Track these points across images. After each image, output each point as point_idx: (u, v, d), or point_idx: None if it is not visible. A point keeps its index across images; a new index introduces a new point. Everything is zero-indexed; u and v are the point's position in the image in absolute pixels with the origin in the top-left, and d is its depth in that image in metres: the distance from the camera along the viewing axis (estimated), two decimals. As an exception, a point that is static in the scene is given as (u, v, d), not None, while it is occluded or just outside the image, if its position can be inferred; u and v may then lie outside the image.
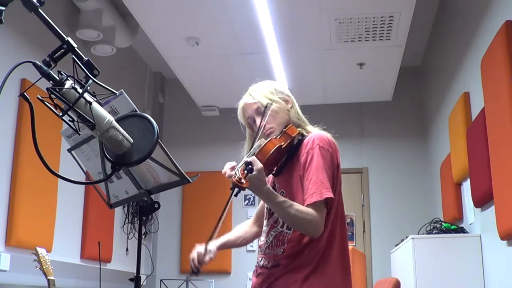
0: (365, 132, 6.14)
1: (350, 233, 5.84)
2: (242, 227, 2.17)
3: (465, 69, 3.98)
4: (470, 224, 3.91)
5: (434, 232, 3.93)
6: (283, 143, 1.82)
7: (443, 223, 4.00)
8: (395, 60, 4.88)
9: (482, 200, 3.47)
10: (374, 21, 4.16)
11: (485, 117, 3.26)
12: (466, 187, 3.96)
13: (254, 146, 1.83)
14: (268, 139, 1.84)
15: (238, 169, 1.65)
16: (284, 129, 1.88)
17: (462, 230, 3.88)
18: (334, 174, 1.83)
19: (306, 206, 1.75)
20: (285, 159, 1.89)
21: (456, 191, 4.27)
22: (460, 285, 3.63)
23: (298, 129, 1.89)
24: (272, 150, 1.79)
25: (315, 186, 1.74)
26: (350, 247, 4.06)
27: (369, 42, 4.51)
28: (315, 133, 1.89)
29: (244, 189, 1.61)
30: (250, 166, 1.64)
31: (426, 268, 3.72)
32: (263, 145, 1.82)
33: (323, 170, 1.77)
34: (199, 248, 1.93)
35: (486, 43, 3.26)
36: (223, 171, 1.78)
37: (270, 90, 1.94)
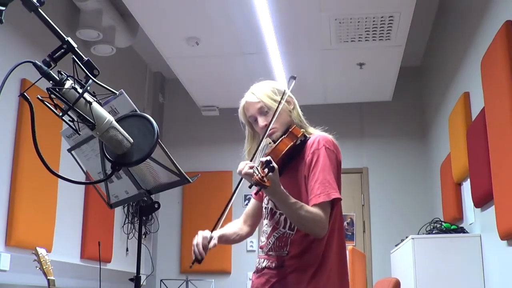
0: (365, 132, 6.14)
1: (350, 233, 5.84)
2: (235, 224, 2.13)
3: (465, 69, 3.98)
4: (470, 224, 3.91)
5: (434, 232, 3.93)
6: (291, 144, 1.83)
7: (443, 223, 4.00)
8: (395, 60, 4.88)
9: (482, 200, 3.47)
10: (374, 21, 4.16)
11: (485, 117, 3.26)
12: (466, 187, 3.96)
13: (262, 145, 1.83)
14: (280, 139, 1.84)
15: (257, 168, 1.62)
16: (289, 129, 1.87)
17: (462, 230, 3.88)
18: (338, 175, 1.85)
19: (312, 205, 1.75)
20: (287, 160, 1.88)
21: (456, 191, 4.27)
22: (460, 285, 3.63)
23: (302, 130, 1.89)
24: (285, 150, 1.80)
25: (322, 187, 1.76)
26: (350, 247, 4.09)
27: (369, 42, 4.50)
28: (319, 134, 1.90)
29: (266, 188, 1.60)
30: (271, 165, 1.60)
31: (426, 268, 3.72)
32: (275, 145, 1.82)
33: (329, 171, 1.78)
34: (204, 233, 1.83)
35: (486, 43, 3.26)
36: (239, 169, 1.73)
37: (273, 90, 1.94)
